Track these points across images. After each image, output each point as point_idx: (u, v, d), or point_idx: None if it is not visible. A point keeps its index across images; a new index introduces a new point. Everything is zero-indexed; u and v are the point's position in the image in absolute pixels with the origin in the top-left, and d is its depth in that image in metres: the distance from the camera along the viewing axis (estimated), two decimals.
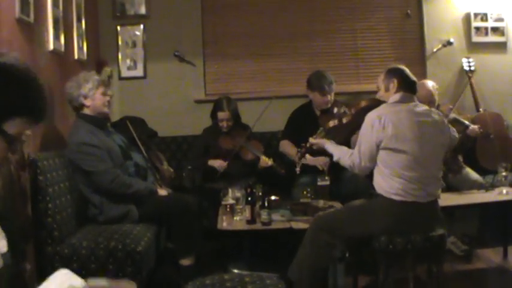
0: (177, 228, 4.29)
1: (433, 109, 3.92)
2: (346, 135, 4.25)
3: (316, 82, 5.31)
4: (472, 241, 5.12)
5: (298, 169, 4.51)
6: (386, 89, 3.87)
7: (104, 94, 4.39)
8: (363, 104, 4.09)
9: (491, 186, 5.08)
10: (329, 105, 5.19)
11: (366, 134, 3.70)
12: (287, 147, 5.35)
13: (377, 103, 3.88)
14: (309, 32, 6.37)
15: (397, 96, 3.77)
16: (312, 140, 4.27)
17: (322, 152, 4.22)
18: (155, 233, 4.26)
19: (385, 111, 3.68)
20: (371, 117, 3.69)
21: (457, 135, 4.07)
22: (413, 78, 3.88)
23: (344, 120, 4.20)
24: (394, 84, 3.81)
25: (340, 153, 3.95)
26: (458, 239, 5.10)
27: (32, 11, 3.98)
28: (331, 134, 4.21)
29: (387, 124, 3.59)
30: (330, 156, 4.11)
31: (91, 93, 4.32)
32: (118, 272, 3.73)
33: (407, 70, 3.90)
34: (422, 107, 3.79)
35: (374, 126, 3.63)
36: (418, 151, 3.60)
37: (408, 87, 3.81)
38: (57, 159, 4.04)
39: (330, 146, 4.08)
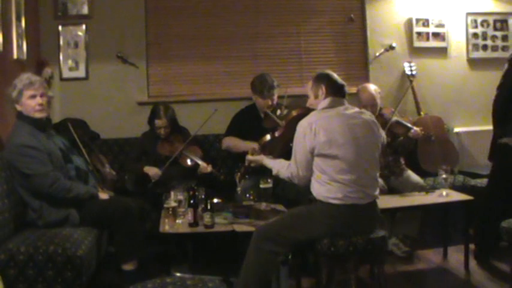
0: (119, 232, 4.22)
1: (363, 110, 3.95)
2: (281, 148, 4.23)
3: (258, 85, 5.33)
4: (413, 242, 5.19)
5: (239, 189, 4.50)
6: (316, 96, 3.88)
7: (32, 97, 4.21)
8: (294, 114, 4.09)
9: (432, 189, 5.17)
10: (270, 110, 5.20)
11: (299, 143, 3.72)
12: (232, 140, 5.36)
13: (307, 111, 3.89)
14: (253, 35, 6.37)
15: (326, 102, 3.79)
16: (249, 157, 4.27)
17: (260, 168, 4.22)
18: (96, 236, 4.18)
19: (315, 118, 3.70)
20: (302, 125, 3.71)
21: (384, 135, 4.10)
22: (341, 81, 3.90)
23: (277, 134, 4.19)
24: (322, 90, 3.83)
25: (278, 166, 3.95)
26: (400, 241, 5.16)
27: None
28: (267, 149, 4.22)
29: (318, 131, 3.61)
30: (269, 170, 4.11)
31: (18, 98, 4.20)
32: (57, 277, 3.65)
33: (334, 75, 3.92)
34: (353, 109, 3.82)
35: (306, 134, 3.65)
36: (351, 154, 3.62)
37: (337, 92, 3.83)
38: None
39: (268, 161, 4.09)
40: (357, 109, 3.85)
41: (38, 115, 4.23)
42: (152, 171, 5.21)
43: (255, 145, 4.41)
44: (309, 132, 3.63)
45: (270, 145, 4.21)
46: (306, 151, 3.66)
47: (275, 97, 5.33)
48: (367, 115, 3.86)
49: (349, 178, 3.60)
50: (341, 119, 3.69)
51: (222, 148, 5.54)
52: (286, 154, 4.04)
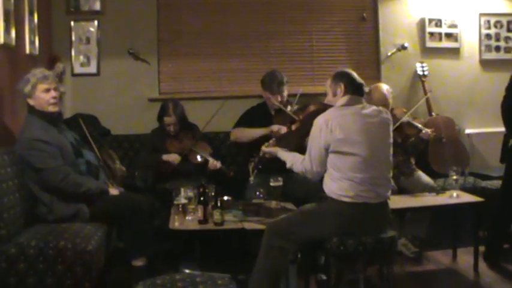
0: (128, 228, 4.23)
1: (381, 109, 3.93)
2: (297, 142, 4.24)
3: (268, 81, 5.34)
4: (422, 243, 5.17)
5: (252, 178, 4.50)
6: (334, 94, 3.88)
7: (47, 91, 4.23)
8: (311, 109, 4.09)
9: (442, 190, 5.15)
10: (281, 105, 5.20)
11: (314, 138, 3.72)
12: (241, 130, 5.37)
13: (325, 107, 3.89)
14: (265, 33, 6.36)
15: (344, 100, 3.79)
16: (264, 148, 4.28)
17: (274, 160, 4.21)
18: (106, 232, 4.19)
19: (332, 115, 3.69)
20: (319, 121, 3.70)
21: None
22: (360, 80, 3.90)
23: (293, 127, 4.20)
24: (341, 88, 3.82)
25: (292, 159, 3.96)
26: (409, 241, 5.14)
27: None
28: (282, 142, 4.22)
29: (335, 128, 3.61)
30: (280, 168, 4.12)
31: (32, 93, 4.20)
32: (67, 272, 3.66)
33: (353, 73, 3.91)
34: (370, 108, 3.80)
35: (322, 130, 3.65)
36: (366, 153, 3.62)
37: (355, 90, 3.83)
38: (6, 156, 3.93)
39: (283, 154, 4.09)
40: (375, 107, 3.84)
41: (51, 109, 4.25)
42: (172, 156, 5.21)
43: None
44: (325, 129, 3.63)
45: (285, 138, 4.22)
46: (321, 147, 3.67)
47: (285, 93, 5.32)
48: (384, 114, 3.85)
49: (361, 176, 3.60)
50: (358, 117, 3.69)
51: (230, 140, 5.55)
52: (302, 149, 4.04)
